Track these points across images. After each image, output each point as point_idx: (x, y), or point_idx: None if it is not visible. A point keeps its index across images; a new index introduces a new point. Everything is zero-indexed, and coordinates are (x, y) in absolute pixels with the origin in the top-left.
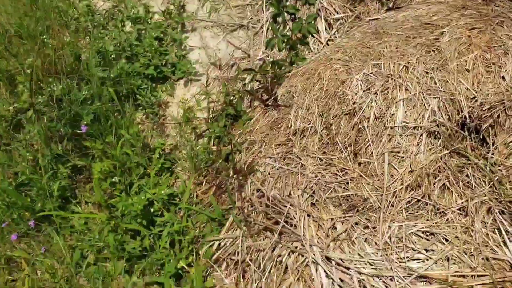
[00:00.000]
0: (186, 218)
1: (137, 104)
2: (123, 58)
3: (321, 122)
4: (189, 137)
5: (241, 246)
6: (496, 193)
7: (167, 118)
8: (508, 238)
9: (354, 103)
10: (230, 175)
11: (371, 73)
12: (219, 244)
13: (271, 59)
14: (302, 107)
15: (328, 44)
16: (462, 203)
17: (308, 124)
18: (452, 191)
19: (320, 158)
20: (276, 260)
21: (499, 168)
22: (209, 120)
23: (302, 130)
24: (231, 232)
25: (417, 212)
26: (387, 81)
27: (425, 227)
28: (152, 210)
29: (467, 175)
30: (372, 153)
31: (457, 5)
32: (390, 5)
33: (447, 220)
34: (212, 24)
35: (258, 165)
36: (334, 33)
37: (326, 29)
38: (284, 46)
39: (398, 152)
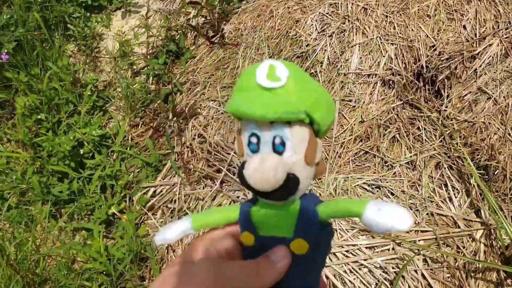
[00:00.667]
0: (119, 161)
1: (68, 35)
2: None
3: None
4: (125, 74)
5: (179, 194)
6: (446, 148)
7: (101, 52)
8: (454, 194)
9: (307, 45)
10: (169, 118)
11: (327, 13)
12: (155, 191)
13: None
14: (251, 46)
15: None
16: (411, 156)
17: None
18: (401, 144)
19: None
20: None
21: (451, 122)
22: (148, 56)
23: None
24: (168, 179)
25: (364, 164)
26: (344, 23)
27: (372, 180)
28: (81, 151)
29: (418, 128)
30: None
31: None
32: None
33: (394, 173)
34: None
35: (201, 108)
36: None
37: None
38: None
39: (350, 100)
